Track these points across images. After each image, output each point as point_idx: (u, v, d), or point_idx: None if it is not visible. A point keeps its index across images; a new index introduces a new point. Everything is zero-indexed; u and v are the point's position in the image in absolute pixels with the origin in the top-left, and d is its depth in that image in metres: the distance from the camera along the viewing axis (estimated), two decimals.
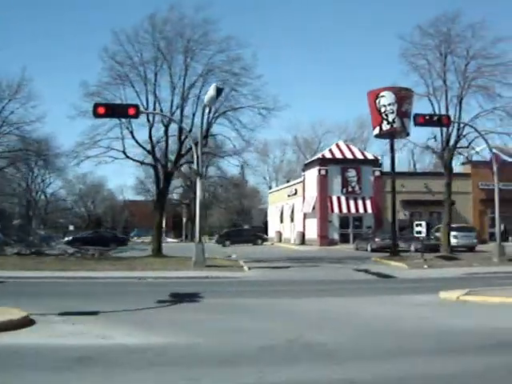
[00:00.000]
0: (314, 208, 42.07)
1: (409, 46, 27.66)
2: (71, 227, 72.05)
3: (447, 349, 7.51)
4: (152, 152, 26.07)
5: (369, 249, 35.96)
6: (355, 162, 42.08)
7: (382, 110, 28.26)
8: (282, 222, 52.01)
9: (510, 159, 46.11)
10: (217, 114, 27.02)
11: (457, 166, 56.28)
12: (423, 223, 25.91)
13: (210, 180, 65.60)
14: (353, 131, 66.09)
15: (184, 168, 63.93)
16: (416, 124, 25.18)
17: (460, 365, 6.69)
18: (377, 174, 41.97)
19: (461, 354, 7.23)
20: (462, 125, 26.97)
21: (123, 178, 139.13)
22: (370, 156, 43.01)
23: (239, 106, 27.22)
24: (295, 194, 47.70)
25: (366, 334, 8.74)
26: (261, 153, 72.02)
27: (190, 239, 64.75)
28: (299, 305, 12.49)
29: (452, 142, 27.51)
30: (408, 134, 29.37)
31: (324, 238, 41.21)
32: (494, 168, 26.73)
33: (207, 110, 26.21)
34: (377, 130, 29.06)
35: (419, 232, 26.03)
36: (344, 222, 42.03)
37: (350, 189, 41.56)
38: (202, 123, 23.42)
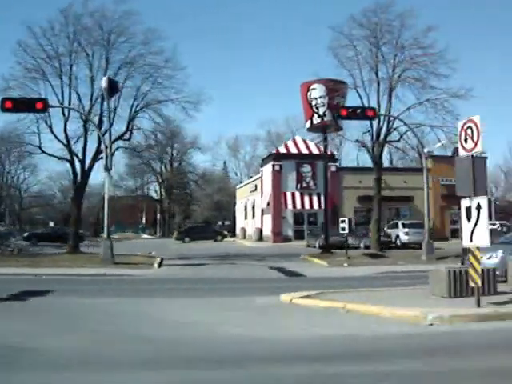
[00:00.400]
0: (268, 204, 41.33)
1: (340, 36, 26.82)
2: (51, 223, 71.95)
3: (145, 360, 6.80)
4: (68, 146, 25.47)
5: (317, 245, 35.26)
6: (310, 157, 41.18)
7: (313, 102, 27.47)
8: (245, 218, 51.30)
9: None
10: (138, 108, 26.40)
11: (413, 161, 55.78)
12: (346, 220, 25.21)
13: (182, 176, 65.40)
14: None
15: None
16: (339, 117, 24.47)
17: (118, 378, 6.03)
18: (333, 169, 41.08)
19: (143, 367, 6.49)
20: (391, 118, 26.12)
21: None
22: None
23: (164, 99, 26.62)
24: (255, 189, 46.95)
25: (108, 340, 8.09)
26: (232, 148, 71.55)
27: (162, 235, 64.59)
28: (122, 305, 11.83)
29: (382, 135, 26.66)
30: (340, 129, 28.51)
31: (278, 235, 40.46)
32: (424, 162, 25.90)
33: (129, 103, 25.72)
34: (308, 124, 28.23)
35: (343, 228, 25.33)
36: (299, 218, 41.22)
37: (304, 184, 40.70)
38: (109, 117, 22.81)
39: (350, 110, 23.08)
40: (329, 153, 42.38)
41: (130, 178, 64.13)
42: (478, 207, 10.34)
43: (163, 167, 64.11)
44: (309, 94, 27.57)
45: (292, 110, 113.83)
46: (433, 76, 25.85)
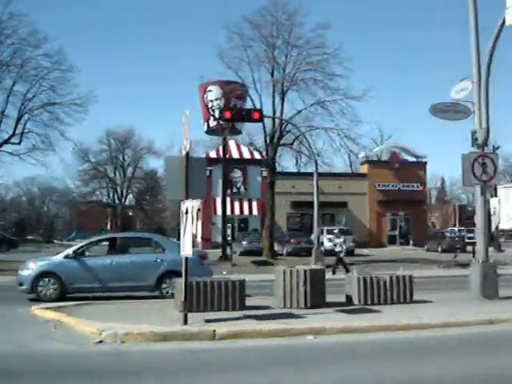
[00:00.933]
0: (199, 210, 40.42)
1: (234, 37, 26.09)
2: (13, 229, 71.37)
3: None
4: None
5: (238, 252, 34.45)
6: (241, 162, 40.24)
7: (209, 105, 26.74)
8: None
9: (412, 158, 44.44)
10: (25, 112, 25.76)
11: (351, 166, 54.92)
12: (230, 225, 24.52)
13: (137, 180, 64.77)
14: None
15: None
16: (223, 119, 23.71)
17: None
18: (264, 174, 40.18)
19: None
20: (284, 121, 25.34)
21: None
22: (257, 156, 41.10)
23: (52, 102, 25.94)
24: None
25: None
26: None
27: None
28: None
29: (276, 138, 25.86)
30: (239, 132, 27.73)
31: (207, 241, 39.59)
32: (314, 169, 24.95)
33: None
34: (205, 126, 27.50)
35: (229, 235, 24.59)
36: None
37: (235, 190, 39.83)
38: None
39: (234, 112, 22.27)
40: (259, 158, 41.75)
41: (83, 184, 63.14)
42: (187, 212, 9.57)
43: (117, 173, 63.23)
44: (205, 95, 26.88)
45: None
46: (328, 77, 25.10)
